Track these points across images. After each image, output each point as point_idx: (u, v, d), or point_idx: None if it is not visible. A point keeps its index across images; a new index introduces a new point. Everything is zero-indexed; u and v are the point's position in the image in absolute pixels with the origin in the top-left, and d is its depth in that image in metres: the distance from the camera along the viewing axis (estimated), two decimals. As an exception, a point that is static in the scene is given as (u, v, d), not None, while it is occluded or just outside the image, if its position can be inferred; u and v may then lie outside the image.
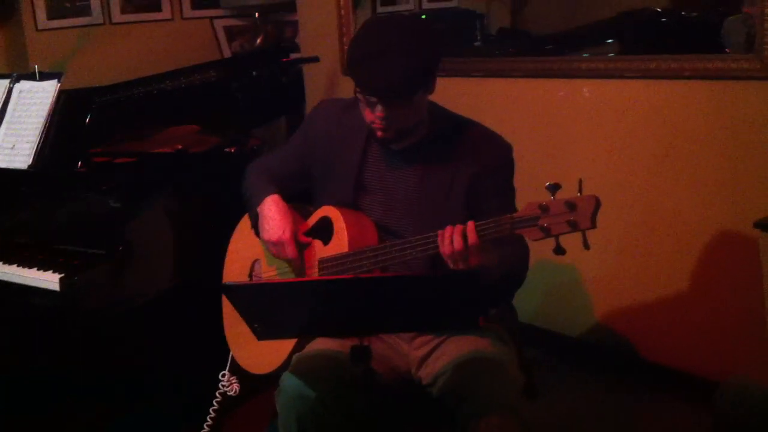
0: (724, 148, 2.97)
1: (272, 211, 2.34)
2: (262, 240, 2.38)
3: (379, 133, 2.16)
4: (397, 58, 2.03)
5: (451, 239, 1.94)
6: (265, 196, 2.38)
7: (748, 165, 2.92)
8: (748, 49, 3.03)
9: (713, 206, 3.03)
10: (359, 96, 2.13)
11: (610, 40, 4.06)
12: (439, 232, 1.98)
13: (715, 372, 3.09)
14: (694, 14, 3.80)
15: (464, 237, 1.93)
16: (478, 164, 2.21)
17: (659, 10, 4.08)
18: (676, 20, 3.90)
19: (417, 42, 2.08)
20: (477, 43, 4.78)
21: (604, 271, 3.42)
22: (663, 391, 3.31)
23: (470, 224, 1.94)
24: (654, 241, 3.24)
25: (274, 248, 2.34)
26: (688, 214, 3.11)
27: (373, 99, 2.09)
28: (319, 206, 2.36)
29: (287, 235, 2.30)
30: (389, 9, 4.89)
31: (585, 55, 3.66)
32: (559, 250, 1.85)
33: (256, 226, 2.43)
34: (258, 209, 2.38)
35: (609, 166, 3.29)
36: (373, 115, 2.12)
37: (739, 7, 3.29)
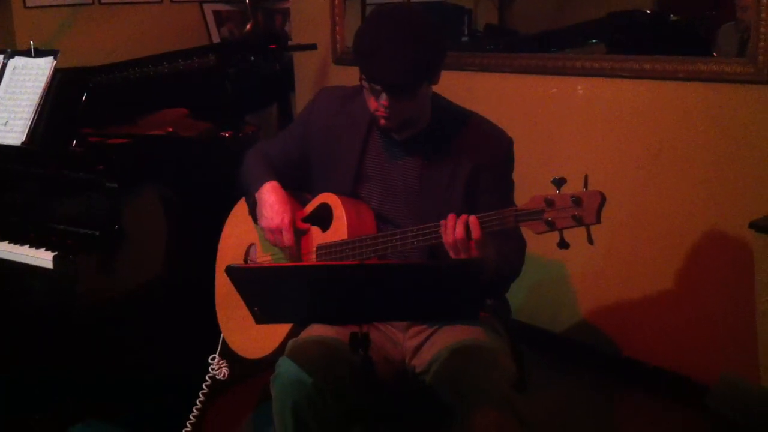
0: (715, 150, 3.00)
1: (271, 198, 2.34)
2: (259, 226, 2.38)
3: (383, 122, 2.16)
4: (404, 50, 2.04)
5: (454, 228, 1.96)
6: (264, 182, 2.37)
7: (739, 167, 2.95)
8: (739, 54, 3.07)
9: (703, 206, 3.06)
10: (364, 84, 2.13)
11: (594, 41, 4.10)
12: (442, 222, 1.99)
13: (698, 371, 3.14)
14: (682, 18, 3.84)
15: (467, 228, 1.95)
16: (478, 157, 2.22)
17: (648, 12, 4.12)
18: (664, 23, 3.94)
19: (424, 34, 2.08)
20: (464, 39, 4.80)
21: (590, 268, 3.45)
22: (645, 390, 3.34)
23: (473, 219, 1.95)
24: (642, 239, 3.27)
25: (271, 235, 2.33)
26: (677, 213, 3.14)
27: (378, 88, 2.09)
28: (318, 194, 2.36)
29: (286, 221, 2.30)
30: (377, 0, 4.89)
31: (568, 52, 3.69)
32: (563, 244, 1.87)
33: (253, 213, 2.42)
34: (256, 195, 2.38)
35: (600, 164, 3.31)
36: (378, 104, 2.12)
37: (729, 12, 3.34)
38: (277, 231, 2.31)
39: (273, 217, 2.31)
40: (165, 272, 2.82)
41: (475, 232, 1.94)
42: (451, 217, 1.98)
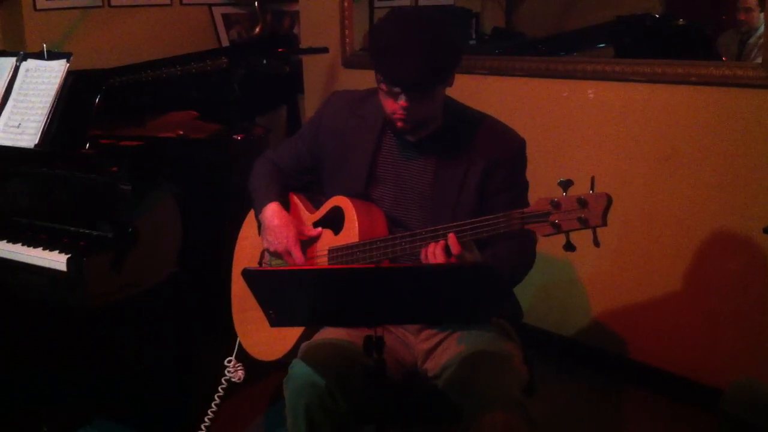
0: (727, 154, 3.00)
1: (274, 222, 2.37)
2: (267, 251, 2.41)
3: (399, 124, 2.17)
4: (424, 51, 2.05)
5: (434, 254, 2.00)
6: (266, 203, 2.40)
7: (751, 171, 2.94)
8: (739, 57, 3.07)
9: (714, 210, 3.06)
10: (382, 87, 2.14)
11: (602, 44, 4.10)
12: (423, 250, 2.03)
13: (709, 375, 3.14)
14: (690, 22, 3.85)
15: (446, 251, 1.99)
16: (491, 156, 2.24)
17: (656, 16, 4.13)
18: (672, 27, 3.95)
19: (442, 35, 2.09)
20: (472, 42, 4.81)
21: (600, 271, 3.45)
22: (655, 393, 3.34)
23: (451, 237, 1.99)
24: (653, 242, 3.27)
25: (279, 256, 2.36)
26: (688, 217, 3.14)
27: (397, 89, 2.10)
28: (331, 196, 2.38)
29: (291, 243, 2.33)
30: (386, 4, 4.90)
31: (575, 55, 3.69)
32: (570, 247, 1.87)
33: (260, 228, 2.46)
34: (260, 218, 2.41)
35: (611, 167, 3.31)
36: (396, 106, 2.13)
37: (733, 16, 3.35)
38: (285, 254, 2.34)
39: (279, 241, 2.34)
40: (177, 273, 2.83)
41: (455, 248, 1.99)
42: (430, 246, 2.02)
